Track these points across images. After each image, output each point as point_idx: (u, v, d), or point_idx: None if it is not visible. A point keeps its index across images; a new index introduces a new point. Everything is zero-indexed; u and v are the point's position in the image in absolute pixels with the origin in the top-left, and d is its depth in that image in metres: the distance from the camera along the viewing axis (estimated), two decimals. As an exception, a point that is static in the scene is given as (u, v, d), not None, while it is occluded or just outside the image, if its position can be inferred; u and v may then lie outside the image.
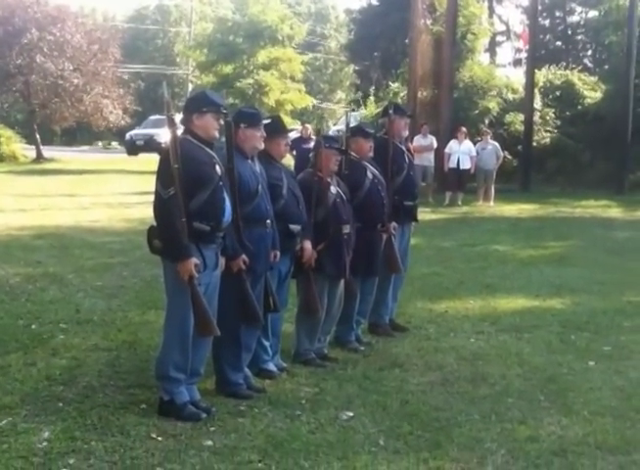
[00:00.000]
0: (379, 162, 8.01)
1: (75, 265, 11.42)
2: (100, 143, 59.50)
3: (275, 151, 6.77)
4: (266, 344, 6.84)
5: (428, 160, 21.90)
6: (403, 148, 8.56)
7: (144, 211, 13.61)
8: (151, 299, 9.23)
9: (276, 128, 6.78)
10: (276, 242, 6.46)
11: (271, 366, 6.89)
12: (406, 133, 8.76)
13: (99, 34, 36.16)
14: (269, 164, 6.65)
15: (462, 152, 21.92)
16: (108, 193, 22.09)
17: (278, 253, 6.52)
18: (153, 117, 41.98)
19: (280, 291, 6.81)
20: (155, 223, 5.71)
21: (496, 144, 22.92)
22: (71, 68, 33.81)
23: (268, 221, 6.34)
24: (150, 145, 36.91)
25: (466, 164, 21.87)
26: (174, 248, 5.58)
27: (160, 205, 5.62)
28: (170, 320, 5.84)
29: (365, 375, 6.98)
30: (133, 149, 40.39)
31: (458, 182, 22.21)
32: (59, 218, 16.36)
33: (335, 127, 36.78)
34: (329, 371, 7.07)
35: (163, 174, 5.58)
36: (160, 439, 5.38)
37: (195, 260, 5.57)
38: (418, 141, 21.60)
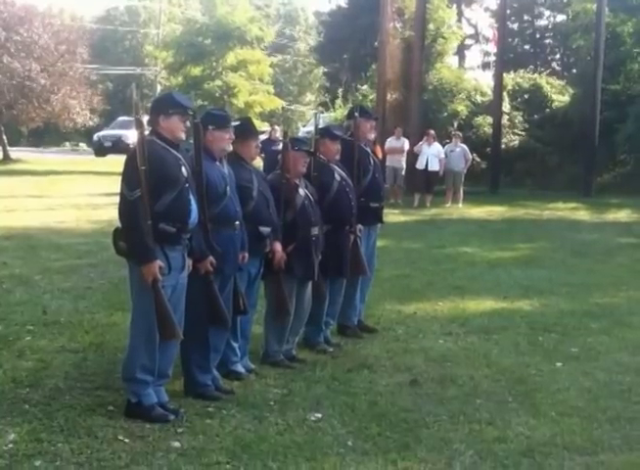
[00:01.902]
0: (345, 164, 8.01)
1: (42, 267, 11.34)
2: (68, 144, 59.09)
3: (246, 153, 6.77)
4: (235, 345, 6.82)
5: (398, 161, 22.00)
6: (368, 150, 8.56)
7: (111, 213, 13.42)
8: (118, 300, 9.15)
9: (247, 130, 6.82)
10: (245, 243, 6.45)
11: (240, 368, 6.87)
12: (372, 136, 8.74)
13: (67, 35, 35.84)
14: (240, 166, 6.64)
15: (431, 154, 22.03)
16: (75, 194, 21.92)
17: (247, 254, 6.51)
18: (121, 119, 41.83)
19: (249, 292, 6.80)
20: (120, 225, 5.68)
21: (465, 146, 23.09)
22: (39, 68, 33.47)
23: (237, 223, 6.33)
24: (118, 146, 36.89)
25: (434, 166, 21.98)
26: (139, 250, 5.55)
27: (126, 207, 5.57)
28: (136, 322, 5.81)
29: (334, 376, 6.97)
30: (101, 150, 40.23)
31: (427, 184, 22.32)
32: (26, 219, 16.22)
33: (304, 129, 36.80)
34: (297, 372, 7.06)
35: (129, 176, 5.55)
36: (127, 440, 5.35)
37: (159, 263, 5.54)
38: (390, 143, 21.74)
